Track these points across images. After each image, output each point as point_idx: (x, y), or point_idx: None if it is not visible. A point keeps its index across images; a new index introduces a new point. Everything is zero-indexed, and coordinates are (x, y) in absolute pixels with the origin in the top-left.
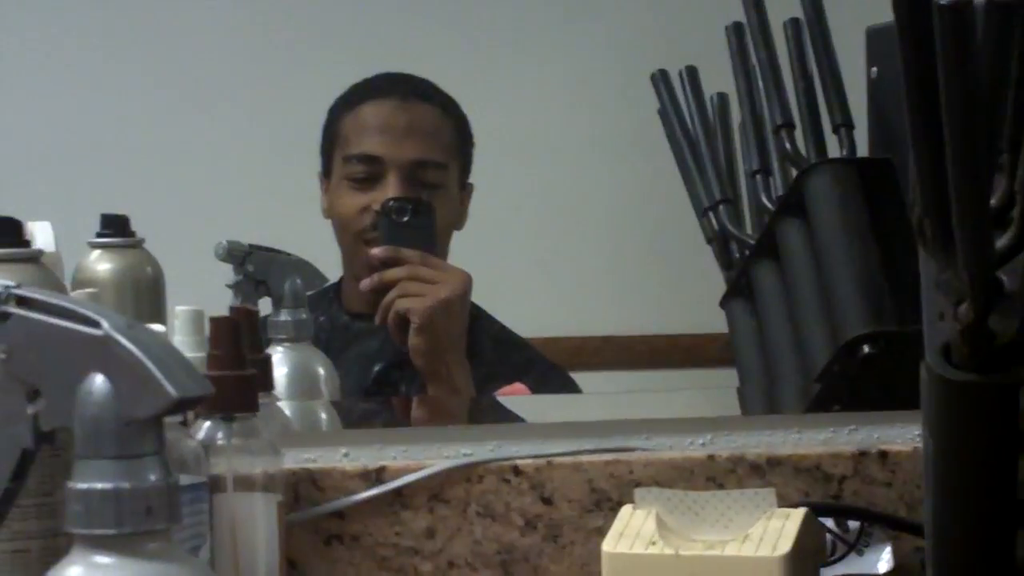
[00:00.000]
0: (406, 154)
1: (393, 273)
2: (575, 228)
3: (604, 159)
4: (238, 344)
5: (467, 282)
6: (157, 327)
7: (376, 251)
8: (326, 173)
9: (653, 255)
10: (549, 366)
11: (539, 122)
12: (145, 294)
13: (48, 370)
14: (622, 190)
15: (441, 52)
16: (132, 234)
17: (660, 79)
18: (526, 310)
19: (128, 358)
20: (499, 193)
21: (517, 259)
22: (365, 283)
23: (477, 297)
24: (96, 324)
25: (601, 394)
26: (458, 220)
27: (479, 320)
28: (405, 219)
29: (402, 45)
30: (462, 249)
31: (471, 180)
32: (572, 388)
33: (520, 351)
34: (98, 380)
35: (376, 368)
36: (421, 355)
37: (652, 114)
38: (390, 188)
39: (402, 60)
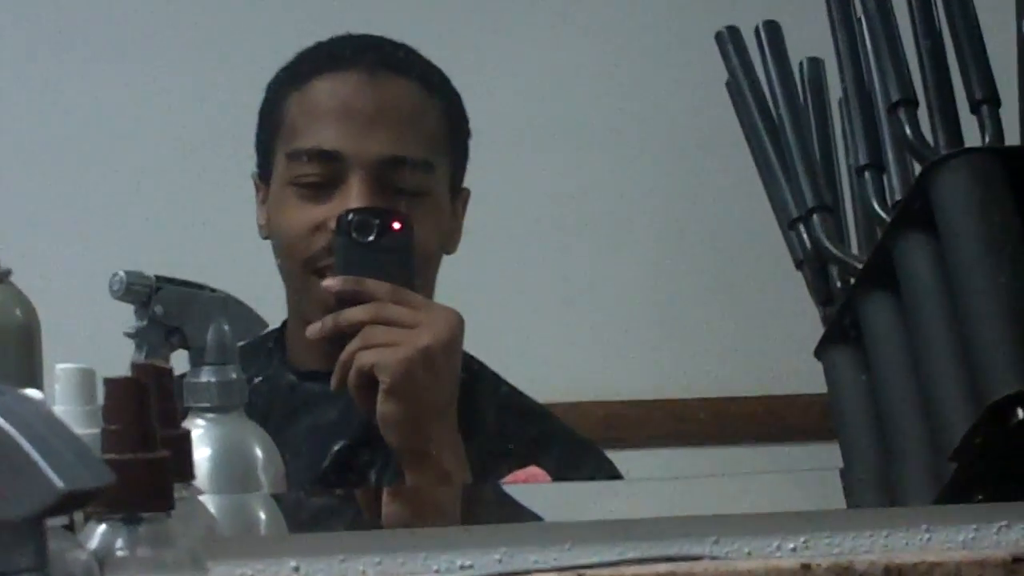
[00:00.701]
0: (374, 148)
1: (354, 314)
2: (609, 250)
3: (648, 153)
4: (144, 416)
5: (457, 326)
6: (32, 393)
7: (330, 282)
8: (263, 175)
9: (718, 287)
10: (576, 442)
11: (558, 103)
12: (12, 347)
13: None
14: (674, 196)
15: (424, 6)
16: None
17: (728, 39)
18: (544, 365)
19: (17, 454)
20: (505, 202)
21: (530, 293)
22: (314, 328)
23: (474, 347)
24: None
25: (649, 480)
26: (448, 240)
27: (477, 379)
28: (370, 238)
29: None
30: (453, 280)
31: (466, 184)
32: (608, 472)
33: (536, 422)
34: None
35: (335, 447)
36: (395, 428)
37: (717, 88)
38: (352, 196)
39: (370, 19)
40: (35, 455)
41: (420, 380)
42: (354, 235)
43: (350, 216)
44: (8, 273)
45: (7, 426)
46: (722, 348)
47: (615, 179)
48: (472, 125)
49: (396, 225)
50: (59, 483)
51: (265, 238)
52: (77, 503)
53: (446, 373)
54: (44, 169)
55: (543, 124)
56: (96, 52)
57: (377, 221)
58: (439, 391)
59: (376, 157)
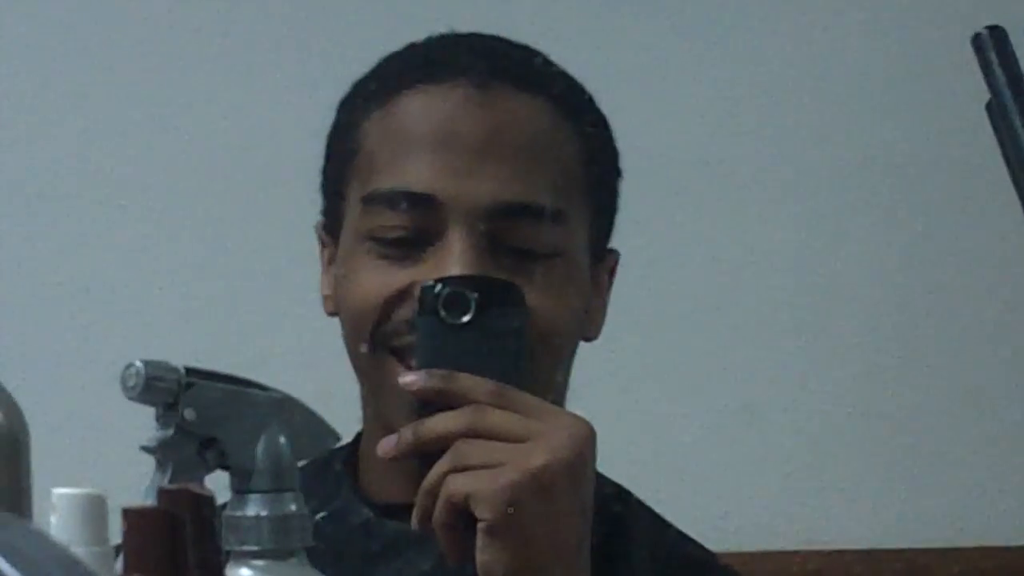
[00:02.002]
0: (484, 192)
1: (441, 423)
2: (812, 344)
3: (860, 205)
4: (180, 561)
5: (585, 439)
6: (38, 525)
7: (409, 378)
8: (331, 227)
9: (965, 399)
10: None
11: (741, 137)
12: None
13: None
14: (902, 268)
15: (563, 8)
16: None
17: (989, 42)
18: (720, 501)
19: None
20: (661, 271)
21: (698, 398)
22: (387, 443)
23: (615, 471)
24: None
25: None
26: (585, 322)
27: (624, 517)
28: (466, 318)
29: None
30: (591, 377)
31: (613, 245)
32: None
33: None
34: None
35: None
36: None
37: (967, 116)
38: (451, 257)
39: (482, 17)
40: None
41: (534, 515)
42: (443, 314)
43: (437, 288)
44: None
45: (14, 573)
46: (971, 484)
47: (814, 243)
48: (623, 165)
49: (500, 301)
50: None
51: (332, 313)
52: None
53: (572, 505)
54: (39, 230)
55: (714, 164)
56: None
57: (476, 295)
58: (562, 530)
59: (487, 203)
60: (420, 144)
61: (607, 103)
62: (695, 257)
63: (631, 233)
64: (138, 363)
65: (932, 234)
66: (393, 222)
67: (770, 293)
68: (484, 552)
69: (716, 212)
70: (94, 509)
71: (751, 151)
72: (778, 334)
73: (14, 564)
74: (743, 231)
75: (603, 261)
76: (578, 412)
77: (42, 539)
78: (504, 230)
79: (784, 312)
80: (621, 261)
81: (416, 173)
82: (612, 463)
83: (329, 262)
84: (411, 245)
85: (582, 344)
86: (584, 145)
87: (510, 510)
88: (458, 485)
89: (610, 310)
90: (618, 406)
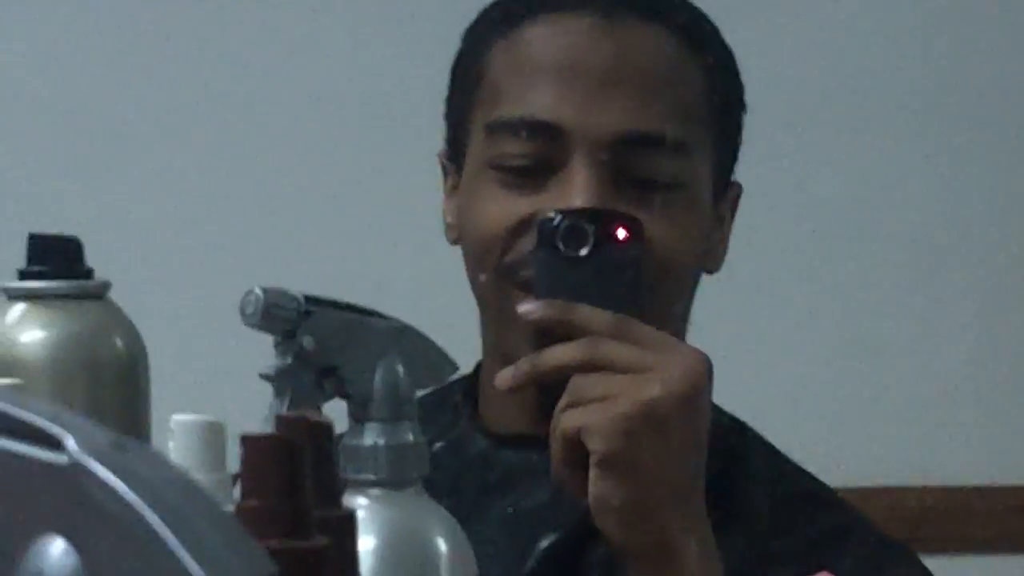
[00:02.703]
0: (609, 121)
1: (557, 355)
2: (925, 286)
3: (984, 150)
4: (297, 489)
5: (701, 372)
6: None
7: (527, 307)
8: (454, 156)
9: None
10: (881, 542)
11: (863, 70)
12: (111, 385)
13: None
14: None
15: None
16: (89, 274)
17: None
18: (832, 437)
19: (118, 511)
20: (783, 209)
21: (813, 336)
22: (504, 375)
23: (733, 404)
24: (56, 444)
25: None
26: (708, 253)
27: (741, 450)
28: (584, 251)
29: None
30: (711, 310)
31: (737, 178)
32: None
33: (826, 513)
34: (55, 550)
35: (543, 542)
36: (614, 516)
37: None
38: (574, 186)
39: None
40: (171, 539)
41: (647, 447)
42: (561, 246)
43: (555, 221)
44: (106, 287)
45: (133, 497)
46: None
47: (938, 180)
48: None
49: (621, 233)
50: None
51: (454, 242)
52: None
53: (686, 438)
54: (159, 163)
55: (840, 97)
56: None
57: (593, 228)
58: (676, 464)
59: (610, 133)
60: (544, 73)
61: (732, 36)
62: (817, 190)
63: (754, 165)
64: (257, 290)
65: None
66: (516, 150)
67: (893, 227)
68: (596, 485)
69: (839, 146)
70: (212, 436)
71: (876, 84)
72: (899, 269)
73: (132, 486)
74: (867, 165)
75: (725, 194)
76: (699, 344)
77: (160, 462)
78: (627, 160)
79: (907, 247)
80: (744, 193)
81: (540, 101)
82: (729, 396)
83: (452, 190)
84: (534, 174)
85: (704, 277)
86: (708, 77)
87: (622, 442)
88: (572, 419)
89: (732, 243)
90: (737, 340)
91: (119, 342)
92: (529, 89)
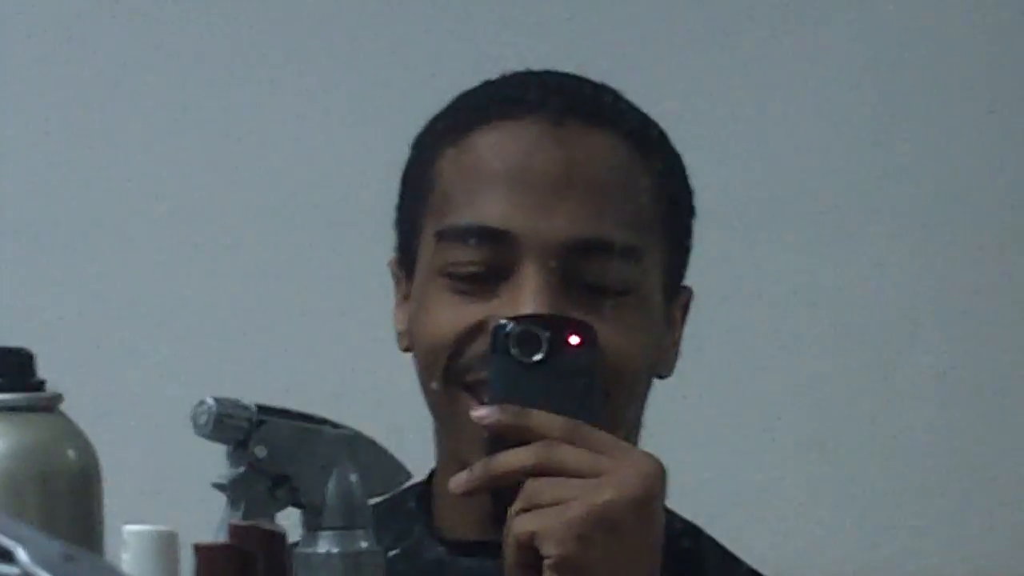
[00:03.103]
0: (559, 228)
1: (512, 459)
2: (882, 376)
3: (934, 234)
4: None
5: (655, 477)
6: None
7: (481, 412)
8: (405, 264)
9: None
10: None
11: (810, 174)
12: (64, 498)
13: None
14: (977, 297)
15: (630, 40)
16: (40, 386)
17: None
18: (789, 539)
19: None
20: (740, 308)
21: (770, 436)
22: (458, 479)
23: (687, 508)
24: (6, 556)
25: None
26: (659, 358)
27: (697, 555)
28: (537, 357)
29: (550, 26)
30: (663, 415)
31: (688, 282)
32: None
33: None
34: None
35: None
36: None
37: None
38: (525, 293)
39: (554, 55)
40: None
41: (600, 551)
42: (515, 352)
43: (509, 327)
44: (58, 400)
45: None
46: None
47: (887, 280)
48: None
49: (574, 339)
50: None
51: (405, 349)
52: None
53: (640, 542)
54: (112, 266)
55: (785, 202)
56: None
57: (547, 334)
58: (630, 568)
59: (560, 239)
60: (495, 180)
61: (678, 141)
62: (767, 294)
63: (704, 270)
64: (209, 400)
65: (1008, 271)
66: (467, 257)
67: (842, 329)
68: None
69: (788, 250)
70: (165, 546)
71: (820, 188)
72: (851, 370)
73: None
74: (815, 268)
75: (676, 298)
76: (652, 449)
77: (110, 572)
78: (578, 266)
79: (857, 348)
80: (697, 297)
81: (491, 209)
82: (683, 500)
83: (403, 298)
84: (485, 281)
85: (656, 382)
86: (658, 182)
87: (576, 547)
88: (525, 523)
89: (684, 347)
90: (690, 443)
91: (71, 453)
92: (479, 196)
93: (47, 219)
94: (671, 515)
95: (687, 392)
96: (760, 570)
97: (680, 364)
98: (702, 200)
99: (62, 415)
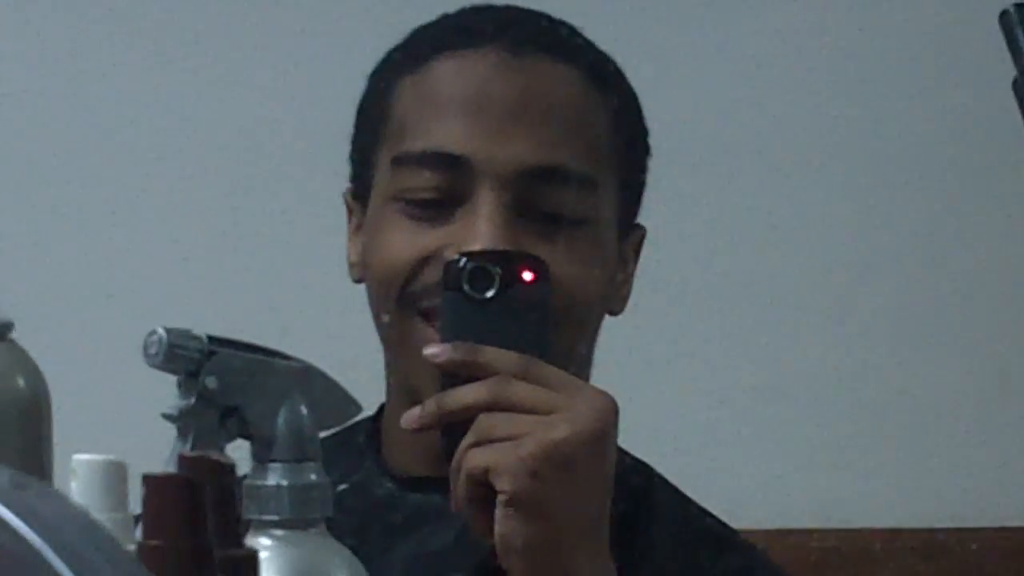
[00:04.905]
0: (515, 154)
1: (464, 395)
2: (831, 315)
3: (890, 178)
4: (198, 528)
5: (607, 413)
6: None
7: (433, 350)
8: (359, 193)
9: (987, 370)
10: None
11: (768, 114)
12: (13, 426)
13: None
14: (930, 235)
15: None
16: None
17: (1016, 19)
18: (737, 479)
19: (18, 549)
20: (685, 247)
21: (718, 375)
22: (411, 415)
23: (637, 447)
24: None
25: None
26: (611, 295)
27: (646, 492)
28: (490, 293)
29: None
30: (614, 353)
31: (642, 222)
32: None
33: (731, 554)
34: None
35: None
36: (519, 557)
37: (992, 87)
38: (479, 218)
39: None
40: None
41: (553, 487)
42: (467, 288)
43: (461, 263)
44: (8, 328)
45: (32, 536)
46: (990, 464)
47: (837, 226)
48: (652, 140)
49: (527, 275)
50: None
51: (357, 280)
52: None
53: (592, 479)
54: (64, 199)
55: (741, 141)
56: (129, 52)
57: (499, 270)
58: (582, 504)
59: (516, 166)
60: (452, 107)
61: (635, 79)
62: (722, 235)
63: (658, 210)
64: (160, 330)
65: (960, 212)
66: (423, 183)
67: (796, 272)
68: (502, 525)
69: (744, 190)
70: (114, 475)
71: (779, 127)
72: (803, 313)
73: (32, 526)
74: (771, 209)
75: (630, 235)
76: (604, 386)
77: (61, 501)
78: (533, 194)
79: (809, 291)
80: (648, 238)
81: (447, 134)
82: (634, 438)
83: (356, 229)
84: (440, 207)
85: (607, 320)
86: (614, 117)
87: (530, 482)
88: (478, 458)
89: (637, 286)
90: (641, 382)
91: (21, 382)
92: (435, 122)
93: None
94: (622, 453)
95: (640, 331)
96: (708, 508)
97: (633, 302)
98: (658, 137)
99: (12, 343)
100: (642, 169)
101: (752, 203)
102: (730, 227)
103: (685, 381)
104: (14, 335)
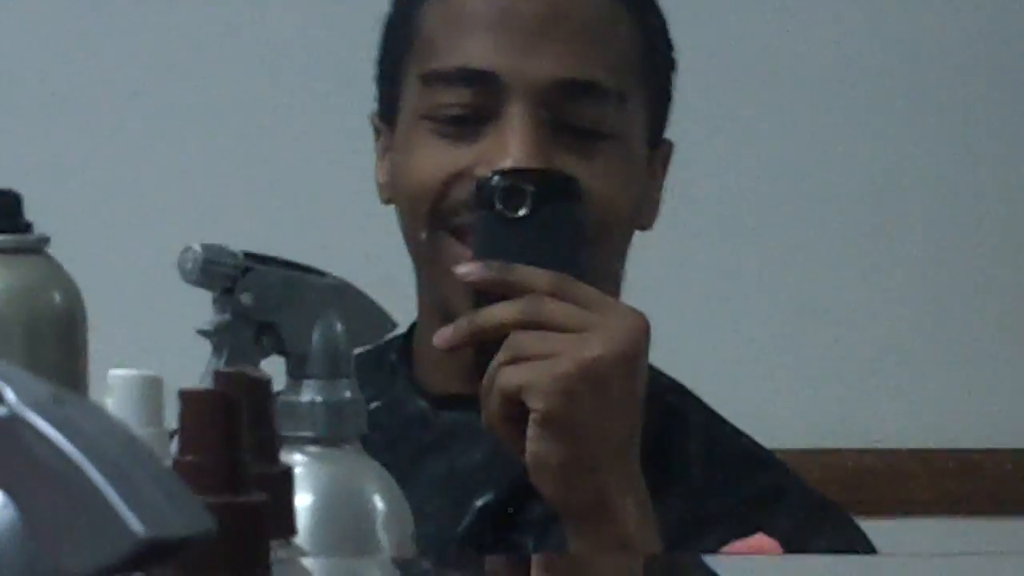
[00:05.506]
0: (544, 68)
1: (497, 313)
2: (862, 245)
3: (923, 109)
4: (234, 444)
5: (641, 332)
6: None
7: (465, 269)
8: (386, 114)
9: (1016, 299)
10: (816, 503)
11: (793, 36)
12: (49, 340)
13: None
14: (957, 173)
15: None
16: (27, 228)
17: None
18: (768, 399)
19: (57, 463)
20: (716, 169)
21: (748, 297)
22: (444, 333)
23: (670, 366)
24: None
25: (910, 557)
26: (642, 209)
27: (677, 410)
28: (523, 212)
29: None
30: (640, 272)
31: (668, 135)
32: (857, 545)
33: (764, 473)
34: None
35: (479, 501)
36: (551, 474)
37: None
38: (509, 134)
39: None
40: (111, 492)
41: (586, 406)
42: (499, 207)
43: (494, 181)
44: (44, 242)
45: (73, 451)
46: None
47: (872, 145)
48: (678, 54)
49: (559, 193)
50: (139, 528)
51: (387, 201)
52: (161, 554)
53: (625, 398)
54: (100, 118)
55: (771, 64)
56: None
57: (532, 188)
58: (615, 423)
59: (546, 80)
60: (481, 23)
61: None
62: (757, 153)
63: (690, 127)
64: (196, 247)
65: (1000, 137)
66: (453, 100)
67: (833, 192)
68: (535, 443)
69: (779, 109)
70: (150, 390)
71: (815, 47)
72: (839, 234)
73: (71, 439)
74: (804, 129)
75: (658, 149)
76: (636, 305)
77: (99, 415)
78: (563, 108)
79: (846, 212)
80: (680, 154)
81: (477, 50)
82: (667, 358)
83: (384, 150)
84: (470, 124)
85: (638, 236)
86: (642, 31)
87: (562, 400)
88: (511, 376)
89: (670, 201)
90: (675, 300)
91: (57, 297)
92: (464, 39)
93: (34, 63)
94: (655, 372)
95: (671, 248)
96: (742, 429)
97: (665, 219)
98: (694, 55)
99: (49, 258)
100: (669, 83)
101: (788, 120)
102: (767, 143)
103: (719, 300)
104: (49, 250)
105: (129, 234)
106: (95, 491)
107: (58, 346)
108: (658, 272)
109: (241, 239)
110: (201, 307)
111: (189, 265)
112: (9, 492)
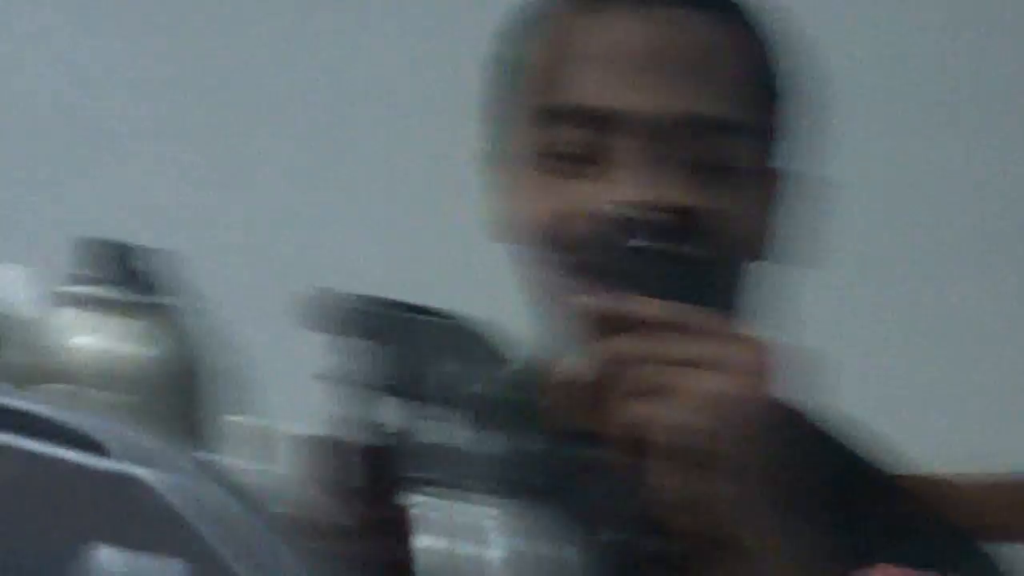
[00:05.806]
0: (659, 105)
1: (617, 347)
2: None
3: None
4: (352, 488)
5: (767, 366)
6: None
7: (587, 300)
8: (497, 151)
9: None
10: (954, 534)
11: (947, 65)
12: (169, 394)
13: None
14: None
15: None
16: (175, 287)
17: None
18: (909, 424)
19: (166, 519)
20: (862, 195)
21: (881, 319)
22: (563, 367)
23: (813, 394)
24: (103, 451)
25: None
26: (756, 237)
27: (807, 436)
28: (643, 245)
29: None
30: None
31: (825, 170)
32: None
33: (896, 503)
34: (103, 558)
35: (603, 538)
36: (676, 512)
37: None
38: (623, 172)
39: None
40: (221, 549)
41: (710, 442)
42: (621, 239)
43: (618, 212)
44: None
45: (184, 507)
46: None
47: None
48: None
49: (680, 225)
50: None
51: (498, 240)
52: None
53: (752, 432)
54: (197, 163)
55: (923, 93)
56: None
57: (651, 221)
58: (742, 458)
59: (660, 116)
60: (593, 60)
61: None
62: (913, 187)
63: (845, 155)
64: (313, 291)
65: None
66: (566, 137)
67: (991, 222)
68: (658, 479)
69: (927, 135)
70: (265, 438)
71: (953, 80)
72: (996, 259)
73: (181, 494)
74: (955, 152)
75: (771, 180)
76: (773, 336)
77: (211, 469)
78: (678, 143)
79: (1003, 236)
80: (820, 183)
81: (590, 88)
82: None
83: (494, 188)
84: (584, 161)
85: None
86: (756, 61)
87: (683, 437)
88: (633, 412)
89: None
90: (821, 328)
91: (179, 348)
92: (575, 77)
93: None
94: (785, 400)
95: (824, 278)
96: (878, 455)
97: (812, 251)
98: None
99: (171, 309)
100: (785, 111)
101: (934, 149)
102: (924, 177)
103: (859, 329)
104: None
105: (247, 278)
106: (207, 548)
107: (177, 398)
108: (807, 300)
109: (353, 282)
110: (319, 352)
111: (307, 309)
112: (118, 548)
